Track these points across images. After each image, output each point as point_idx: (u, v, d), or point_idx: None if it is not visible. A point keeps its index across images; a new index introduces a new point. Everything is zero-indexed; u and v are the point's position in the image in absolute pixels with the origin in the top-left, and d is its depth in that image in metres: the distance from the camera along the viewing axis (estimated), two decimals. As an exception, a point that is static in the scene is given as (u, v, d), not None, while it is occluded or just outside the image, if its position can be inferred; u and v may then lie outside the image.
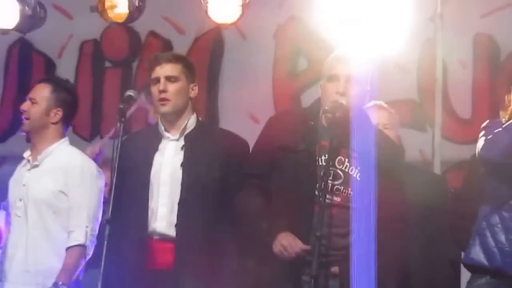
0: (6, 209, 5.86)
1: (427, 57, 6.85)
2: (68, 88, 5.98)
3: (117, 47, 8.96)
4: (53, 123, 5.61)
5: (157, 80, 5.38)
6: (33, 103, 5.57)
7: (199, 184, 5.32)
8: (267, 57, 8.40)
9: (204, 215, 5.30)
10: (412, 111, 6.47)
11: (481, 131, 5.04)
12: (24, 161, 5.82)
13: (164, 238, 5.29)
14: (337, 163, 4.96)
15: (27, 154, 5.83)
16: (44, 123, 5.61)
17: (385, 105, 6.07)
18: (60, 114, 5.64)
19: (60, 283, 5.49)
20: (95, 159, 6.25)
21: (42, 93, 5.69)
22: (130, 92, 5.68)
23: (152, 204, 5.34)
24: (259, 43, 8.30)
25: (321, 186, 4.77)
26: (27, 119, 5.56)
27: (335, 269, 4.77)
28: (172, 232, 5.28)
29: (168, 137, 5.43)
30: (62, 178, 5.63)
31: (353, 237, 4.64)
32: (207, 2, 6.76)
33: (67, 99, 5.76)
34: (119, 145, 5.19)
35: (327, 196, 4.78)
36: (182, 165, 5.35)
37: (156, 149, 5.43)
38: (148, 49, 8.72)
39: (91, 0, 7.04)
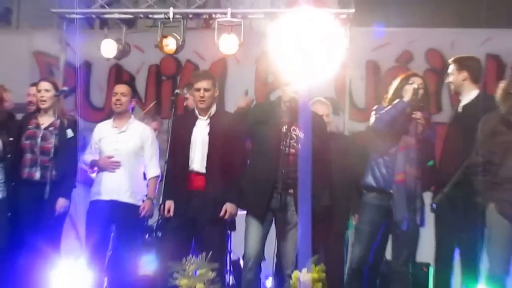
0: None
1: (341, 73, 6.82)
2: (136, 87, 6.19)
3: (169, 68, 8.91)
4: (130, 107, 5.74)
5: (198, 89, 5.33)
6: (123, 95, 5.55)
7: (217, 144, 5.30)
8: (252, 73, 8.41)
9: (221, 160, 5.28)
10: (332, 104, 6.44)
11: (373, 111, 5.10)
12: (107, 127, 5.85)
13: (198, 173, 5.32)
14: (292, 130, 4.98)
15: (110, 122, 5.88)
16: (127, 107, 5.65)
17: (325, 100, 6.15)
18: (134, 102, 5.79)
19: (153, 197, 5.86)
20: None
21: (127, 90, 5.70)
22: (177, 91, 5.94)
23: (191, 154, 5.35)
24: (247, 66, 8.32)
25: (284, 143, 4.82)
26: (121, 104, 5.53)
27: (291, 190, 4.84)
28: (203, 170, 5.33)
29: (201, 118, 5.42)
30: (142, 139, 5.70)
31: (300, 172, 4.67)
32: (219, 42, 6.73)
33: (135, 94, 5.96)
34: (172, 121, 5.42)
35: (287, 149, 4.94)
36: (209, 134, 5.35)
37: (194, 124, 5.43)
38: (186, 69, 8.70)
39: (155, 41, 7.01)
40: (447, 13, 9.08)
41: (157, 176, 5.77)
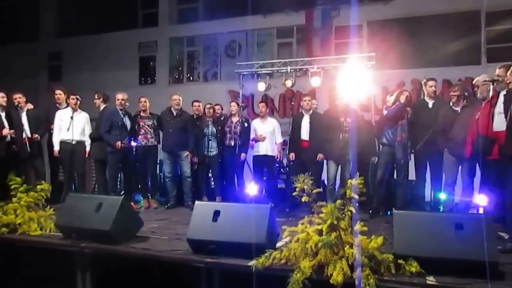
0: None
1: (369, 91, 6.50)
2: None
3: (288, 94, 8.81)
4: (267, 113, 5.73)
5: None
6: (264, 108, 5.82)
7: (313, 127, 5.21)
8: (326, 94, 7.93)
9: (315, 134, 5.19)
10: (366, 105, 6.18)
11: (384, 109, 5.02)
12: (258, 121, 5.74)
13: (305, 140, 5.24)
14: (346, 119, 4.96)
15: (259, 119, 5.78)
16: (266, 113, 5.81)
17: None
18: (269, 110, 5.79)
19: (280, 152, 5.72)
20: None
21: (265, 106, 5.89)
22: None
23: (302, 131, 5.24)
24: (324, 91, 7.82)
25: (343, 125, 4.85)
26: (262, 111, 5.73)
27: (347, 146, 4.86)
28: (307, 138, 5.24)
29: (305, 115, 5.32)
30: (274, 126, 5.63)
31: (350, 138, 4.78)
32: (311, 80, 6.41)
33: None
34: (293, 116, 5.36)
35: (345, 127, 4.99)
36: (309, 123, 5.25)
37: (303, 118, 5.31)
38: (297, 95, 8.34)
39: (281, 82, 6.78)
40: (420, 59, 8.52)
41: (281, 142, 5.72)
